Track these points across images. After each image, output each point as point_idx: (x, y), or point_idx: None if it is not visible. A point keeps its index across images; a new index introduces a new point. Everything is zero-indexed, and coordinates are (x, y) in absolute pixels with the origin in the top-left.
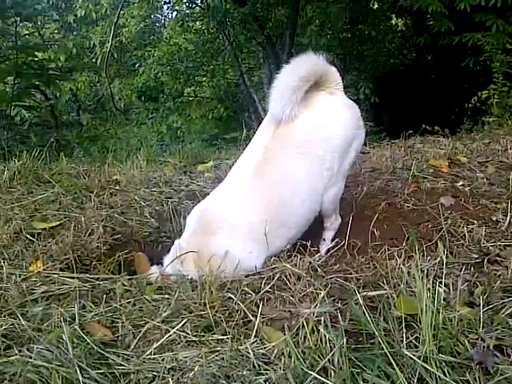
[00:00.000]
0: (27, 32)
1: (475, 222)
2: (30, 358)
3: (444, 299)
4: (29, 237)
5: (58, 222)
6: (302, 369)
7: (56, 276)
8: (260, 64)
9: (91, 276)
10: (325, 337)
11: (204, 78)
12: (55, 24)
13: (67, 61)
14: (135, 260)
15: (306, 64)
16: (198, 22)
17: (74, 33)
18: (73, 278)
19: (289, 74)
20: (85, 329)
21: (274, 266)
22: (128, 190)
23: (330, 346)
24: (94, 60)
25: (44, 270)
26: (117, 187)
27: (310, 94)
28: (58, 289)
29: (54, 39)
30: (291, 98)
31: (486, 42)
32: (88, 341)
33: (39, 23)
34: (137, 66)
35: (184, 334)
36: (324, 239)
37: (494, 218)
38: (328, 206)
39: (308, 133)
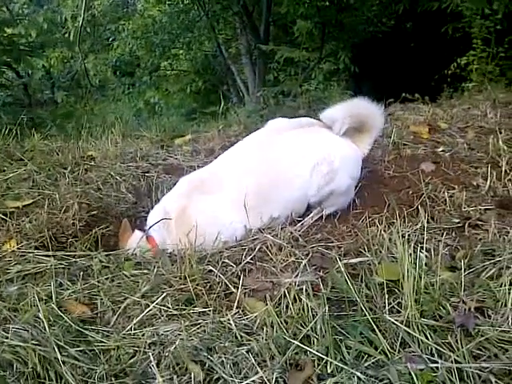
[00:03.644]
0: None
1: (456, 186)
2: (6, 338)
3: (426, 264)
4: (1, 216)
5: (31, 200)
6: (285, 338)
7: (31, 255)
8: (237, 35)
9: (67, 253)
10: (307, 305)
11: (180, 51)
12: None
13: (38, 36)
14: (121, 227)
15: (366, 106)
16: None
17: (44, 7)
18: (48, 256)
19: (351, 104)
20: (62, 307)
21: (255, 237)
22: (103, 165)
23: (313, 315)
24: (66, 35)
25: (18, 249)
26: (92, 163)
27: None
28: (34, 267)
29: (24, 14)
30: (342, 117)
31: (465, 7)
32: (66, 319)
33: None
34: (111, 40)
35: (164, 308)
36: (309, 216)
37: (475, 183)
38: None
39: (319, 150)
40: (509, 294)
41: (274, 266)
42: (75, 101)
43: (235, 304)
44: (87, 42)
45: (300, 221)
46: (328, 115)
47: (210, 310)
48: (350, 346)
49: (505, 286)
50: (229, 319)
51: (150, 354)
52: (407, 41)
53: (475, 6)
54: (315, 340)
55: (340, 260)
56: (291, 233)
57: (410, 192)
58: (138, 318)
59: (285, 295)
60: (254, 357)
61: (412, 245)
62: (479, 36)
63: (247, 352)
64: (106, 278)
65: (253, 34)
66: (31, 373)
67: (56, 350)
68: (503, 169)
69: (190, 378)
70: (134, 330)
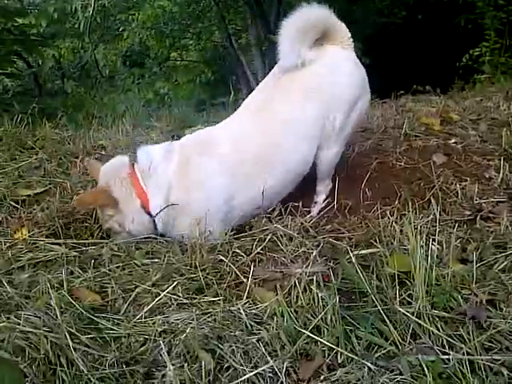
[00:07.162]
0: None
1: (468, 179)
2: (18, 324)
3: (437, 256)
4: (13, 204)
5: (42, 189)
6: (295, 328)
7: (42, 243)
8: (247, 25)
9: (78, 242)
10: (317, 296)
11: (190, 42)
12: None
13: (49, 26)
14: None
15: (312, 12)
16: None
17: None
18: (59, 244)
19: (296, 21)
20: (73, 294)
21: (265, 228)
22: (114, 154)
23: (323, 305)
24: (76, 25)
25: (30, 237)
26: (102, 152)
27: (321, 47)
28: (45, 255)
29: (35, 4)
30: (300, 43)
31: None
32: (77, 306)
33: None
34: (121, 30)
35: (175, 296)
36: (316, 202)
37: (487, 175)
38: (325, 167)
39: (314, 80)
40: None
41: (284, 257)
42: (85, 91)
43: (245, 294)
44: (97, 32)
45: (309, 212)
46: (288, 59)
47: (220, 299)
48: (361, 337)
49: None
50: (239, 308)
51: (161, 342)
52: (419, 32)
53: None
54: (325, 330)
55: (351, 251)
56: (302, 223)
57: (422, 184)
58: (149, 307)
59: (295, 285)
60: (264, 346)
61: (423, 237)
62: (492, 27)
63: (257, 341)
64: (117, 267)
65: (263, 25)
66: (43, 359)
67: (67, 336)
68: None
69: (201, 366)
70: (145, 318)
